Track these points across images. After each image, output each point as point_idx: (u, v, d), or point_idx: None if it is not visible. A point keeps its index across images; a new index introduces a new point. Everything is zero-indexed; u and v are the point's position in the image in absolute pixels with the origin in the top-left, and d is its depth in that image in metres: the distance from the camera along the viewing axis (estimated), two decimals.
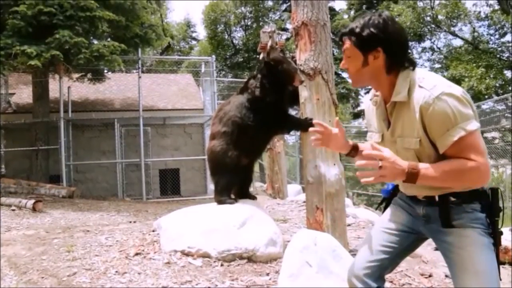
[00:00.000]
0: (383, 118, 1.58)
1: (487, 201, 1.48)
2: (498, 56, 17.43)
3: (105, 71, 11.58)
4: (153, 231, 3.70)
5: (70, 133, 10.33)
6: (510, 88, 16.25)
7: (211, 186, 12.19)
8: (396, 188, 1.76)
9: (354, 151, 1.73)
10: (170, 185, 11.94)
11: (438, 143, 1.40)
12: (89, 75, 10.72)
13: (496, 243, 1.47)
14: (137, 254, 3.08)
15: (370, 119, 1.71)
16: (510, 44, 17.73)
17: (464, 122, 1.35)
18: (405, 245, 1.66)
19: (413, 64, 1.50)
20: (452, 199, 1.47)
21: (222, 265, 2.80)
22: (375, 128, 1.66)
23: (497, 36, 17.91)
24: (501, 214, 1.50)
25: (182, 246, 3.00)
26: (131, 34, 9.25)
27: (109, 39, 9.15)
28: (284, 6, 24.97)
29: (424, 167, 1.36)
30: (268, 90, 3.18)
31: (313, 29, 3.41)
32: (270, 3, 25.81)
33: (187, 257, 2.92)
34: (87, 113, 11.04)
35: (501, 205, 1.50)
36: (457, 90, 1.38)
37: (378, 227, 1.73)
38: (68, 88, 10.41)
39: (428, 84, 1.41)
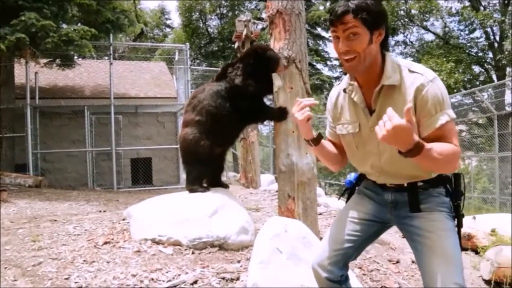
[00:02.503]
0: (363, 106, 1.56)
1: (450, 186, 1.56)
2: (467, 51, 17.97)
3: (75, 57, 11.20)
4: (123, 219, 3.64)
5: (37, 120, 9.98)
6: (477, 83, 16.81)
7: (184, 176, 12.11)
8: (359, 179, 1.79)
9: (317, 139, 1.67)
10: (142, 174, 11.77)
11: (425, 125, 1.43)
12: (57, 61, 10.34)
13: (459, 225, 1.55)
14: (106, 243, 3.02)
15: (339, 111, 1.67)
16: (478, 40, 18.30)
17: (448, 109, 1.43)
18: (370, 233, 1.70)
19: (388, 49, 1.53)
20: (420, 184, 1.52)
21: (193, 253, 2.79)
22: (348, 119, 1.63)
23: (466, 32, 18.48)
24: (462, 197, 1.57)
25: (153, 234, 2.97)
26: (103, 19, 8.95)
27: (79, 24, 8.84)
28: None
29: (428, 145, 1.32)
30: (251, 79, 3.14)
31: (288, 17, 3.39)
32: None
33: (158, 245, 2.88)
34: (56, 100, 10.68)
35: (462, 189, 1.58)
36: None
37: (342, 216, 1.75)
38: (35, 73, 10.03)
39: (419, 69, 1.46)
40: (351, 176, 1.82)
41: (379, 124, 1.29)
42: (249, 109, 3.21)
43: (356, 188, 1.79)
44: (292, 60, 3.36)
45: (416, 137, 1.29)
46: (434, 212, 1.51)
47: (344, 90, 1.62)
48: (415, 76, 1.44)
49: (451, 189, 1.56)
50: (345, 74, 1.66)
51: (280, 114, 3.22)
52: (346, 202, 1.82)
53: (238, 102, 3.16)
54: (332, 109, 1.72)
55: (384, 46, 1.51)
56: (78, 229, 3.60)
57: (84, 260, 2.67)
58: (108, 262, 2.63)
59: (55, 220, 4.16)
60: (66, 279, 2.41)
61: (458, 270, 1.41)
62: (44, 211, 5.06)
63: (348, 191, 1.83)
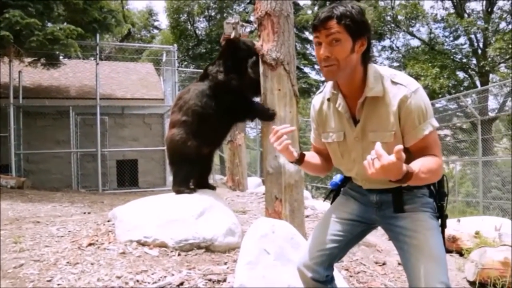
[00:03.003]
0: (348, 116, 1.55)
1: (434, 187, 1.58)
2: (451, 57, 18.28)
3: (61, 57, 11.03)
4: (108, 221, 3.58)
5: (20, 120, 9.79)
6: (461, 88, 17.10)
7: (170, 178, 11.98)
8: (344, 180, 1.80)
9: (300, 159, 1.68)
10: (127, 176, 11.63)
11: (409, 136, 1.45)
12: (42, 60, 10.16)
13: (442, 225, 1.57)
14: (90, 244, 2.97)
15: (324, 120, 1.67)
16: (463, 47, 18.64)
17: (431, 118, 1.45)
18: (355, 233, 1.70)
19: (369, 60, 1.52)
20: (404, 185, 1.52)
21: (179, 254, 2.76)
22: (332, 128, 1.63)
23: (451, 38, 18.80)
24: (446, 198, 1.60)
25: (138, 236, 2.93)
26: (89, 18, 8.82)
27: (65, 23, 8.70)
28: None
29: (416, 168, 1.33)
30: (233, 73, 3.14)
31: (277, 19, 3.39)
32: None
33: (143, 247, 2.85)
34: (40, 100, 10.49)
35: (446, 190, 1.60)
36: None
37: (327, 217, 1.75)
38: (19, 72, 9.83)
39: (403, 80, 1.46)
40: (337, 177, 1.83)
41: (368, 160, 1.27)
42: (235, 105, 3.18)
43: (342, 189, 1.80)
44: (280, 62, 3.36)
45: (405, 167, 1.28)
46: (418, 212, 1.53)
47: (328, 99, 1.62)
48: (399, 88, 1.45)
49: (435, 190, 1.58)
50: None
51: (268, 114, 3.21)
52: (332, 203, 1.82)
53: (223, 98, 3.15)
54: (316, 117, 1.71)
55: (366, 58, 1.50)
56: (61, 230, 3.54)
57: (68, 262, 2.62)
58: (92, 264, 2.58)
59: (38, 222, 4.08)
60: (48, 281, 2.36)
61: (443, 269, 1.42)
62: (26, 213, 4.96)
63: (333, 193, 1.84)
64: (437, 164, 1.41)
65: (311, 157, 1.74)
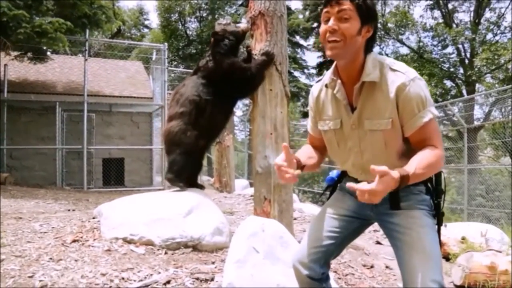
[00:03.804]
0: (345, 103, 1.54)
1: (431, 184, 1.56)
2: (439, 66, 18.55)
3: (49, 52, 10.83)
4: (94, 218, 3.51)
5: (4, 115, 9.55)
6: (448, 97, 17.34)
7: (157, 178, 11.93)
8: (340, 176, 1.78)
9: (300, 168, 1.60)
10: (113, 175, 11.47)
11: (408, 125, 1.44)
12: (29, 54, 9.96)
13: (439, 223, 1.55)
14: (74, 241, 2.90)
15: (321, 107, 1.66)
16: (450, 56, 18.93)
17: (431, 107, 1.44)
18: (350, 230, 1.67)
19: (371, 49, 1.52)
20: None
21: (166, 253, 2.71)
22: (329, 115, 1.61)
23: (439, 47, 19.07)
24: (442, 196, 1.58)
25: (124, 233, 2.87)
26: (79, 13, 8.66)
27: (54, 17, 8.54)
28: (240, 1, 24.87)
29: (411, 169, 1.33)
30: (223, 57, 3.19)
31: (270, 19, 3.39)
32: None
33: (129, 244, 2.79)
34: (26, 94, 10.27)
35: (443, 188, 1.59)
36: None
37: (322, 213, 1.73)
38: (5, 66, 9.62)
39: (401, 68, 1.46)
40: (333, 173, 1.80)
41: (360, 191, 1.27)
42: (231, 85, 3.20)
43: (338, 185, 1.78)
44: (272, 62, 3.35)
45: (396, 173, 1.27)
46: (414, 210, 1.51)
47: (326, 86, 1.60)
48: (397, 74, 1.44)
49: (432, 187, 1.57)
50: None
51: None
52: (328, 199, 1.79)
53: (218, 84, 3.18)
54: (314, 105, 1.70)
55: (369, 46, 1.50)
56: (44, 226, 3.45)
57: (51, 258, 2.54)
58: (76, 261, 2.52)
59: (20, 218, 3.98)
60: (30, 277, 2.29)
61: (436, 267, 1.40)
62: (8, 209, 4.83)
63: (330, 188, 1.81)
64: (436, 156, 1.40)
65: (308, 159, 1.69)
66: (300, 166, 1.58)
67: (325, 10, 1.45)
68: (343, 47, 1.42)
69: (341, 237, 1.66)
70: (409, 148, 1.47)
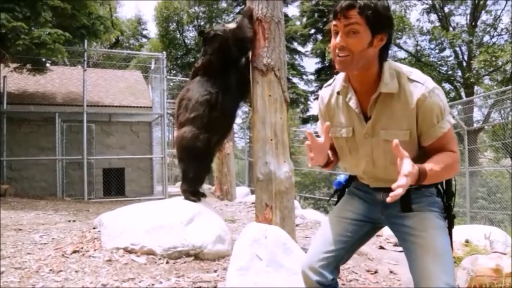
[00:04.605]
0: (358, 111, 1.50)
1: (442, 186, 1.55)
2: (437, 69, 18.58)
3: (47, 63, 10.86)
4: (94, 228, 3.48)
5: (4, 126, 9.55)
6: (448, 100, 17.32)
7: (157, 187, 11.88)
8: (348, 180, 1.75)
9: (327, 163, 1.62)
10: (114, 185, 11.42)
11: (427, 135, 1.43)
12: (28, 66, 9.98)
13: (450, 225, 1.54)
14: (75, 251, 2.87)
15: (331, 114, 1.61)
16: (448, 59, 18.98)
17: (448, 116, 1.43)
18: (360, 234, 1.65)
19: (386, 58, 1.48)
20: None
21: (167, 262, 2.68)
22: (341, 123, 1.58)
23: (437, 51, 19.11)
24: (453, 198, 1.56)
25: (125, 243, 2.84)
26: (77, 24, 8.69)
27: (52, 28, 8.56)
28: (238, 9, 25.00)
29: (429, 167, 1.33)
30: (213, 40, 3.26)
31: (268, 25, 3.39)
32: (224, 4, 25.76)
33: (130, 254, 2.76)
34: (25, 106, 10.27)
35: (453, 190, 1.56)
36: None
37: (332, 217, 1.70)
38: (4, 77, 9.63)
39: (419, 78, 1.42)
40: (341, 177, 1.78)
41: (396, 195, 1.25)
42: (232, 51, 3.25)
43: (346, 189, 1.75)
44: (271, 67, 3.35)
45: (415, 167, 1.28)
46: (426, 212, 1.49)
47: (338, 93, 1.56)
48: (416, 85, 1.41)
49: (443, 189, 1.55)
50: (332, 72, 1.62)
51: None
52: (336, 203, 1.76)
53: (224, 73, 3.24)
54: (324, 110, 1.66)
55: (384, 54, 1.45)
56: (44, 238, 3.42)
57: (51, 270, 2.52)
58: (76, 272, 2.49)
59: (20, 229, 3.95)
60: None
61: (449, 270, 1.38)
62: (8, 220, 4.81)
63: (338, 193, 1.79)
64: (453, 158, 1.41)
65: (332, 155, 1.67)
66: (329, 161, 1.61)
67: (333, 23, 1.41)
68: (351, 61, 1.39)
69: (351, 241, 1.63)
70: (424, 155, 1.45)
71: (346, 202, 1.70)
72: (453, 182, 1.56)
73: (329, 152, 1.63)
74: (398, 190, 1.23)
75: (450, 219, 1.55)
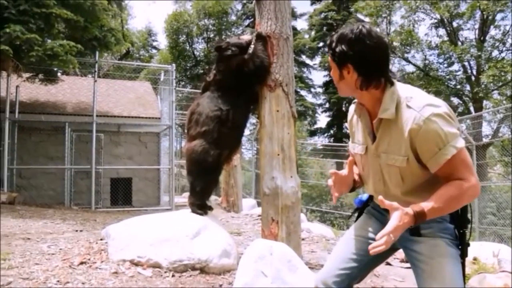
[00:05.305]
0: (368, 131, 1.55)
1: (456, 212, 1.49)
2: (446, 83, 18.53)
3: (59, 73, 11.04)
4: (101, 239, 3.51)
5: (15, 135, 9.69)
6: (456, 114, 17.22)
7: (164, 198, 11.91)
8: (369, 198, 1.77)
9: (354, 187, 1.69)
10: (121, 194, 11.49)
11: (431, 163, 1.39)
12: (40, 76, 10.16)
13: (463, 254, 1.49)
14: (82, 263, 2.90)
15: (353, 130, 1.69)
16: (457, 73, 18.92)
17: (453, 140, 1.36)
18: (375, 254, 1.65)
19: (392, 82, 1.47)
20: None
21: (173, 276, 2.70)
22: (359, 140, 1.64)
23: (445, 65, 19.07)
24: (468, 225, 1.51)
25: (132, 255, 2.86)
26: (89, 36, 8.86)
27: (65, 40, 8.74)
28: (247, 22, 25.29)
29: (429, 206, 1.32)
30: (229, 59, 3.28)
31: (276, 41, 3.44)
32: (233, 17, 26.05)
33: (136, 267, 2.78)
34: (36, 115, 10.43)
35: (469, 217, 1.52)
36: (443, 109, 1.38)
37: (349, 235, 1.72)
38: (17, 87, 9.81)
39: (416, 105, 1.39)
40: (363, 196, 1.80)
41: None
42: (247, 75, 3.27)
43: (366, 208, 1.77)
44: (279, 83, 3.39)
45: (410, 210, 1.31)
46: (436, 238, 1.47)
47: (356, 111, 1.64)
48: (411, 113, 1.39)
49: (457, 215, 1.50)
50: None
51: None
52: (355, 221, 1.78)
53: (237, 78, 3.25)
54: (349, 126, 1.74)
55: (364, 84, 1.45)
56: (52, 248, 3.46)
57: (58, 281, 2.54)
58: (83, 283, 2.51)
59: (28, 239, 3.99)
60: None
61: None
62: (16, 229, 4.86)
63: (358, 211, 1.81)
64: (461, 188, 1.35)
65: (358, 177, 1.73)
66: (356, 185, 1.68)
67: None
68: (339, 90, 1.57)
69: (365, 261, 1.63)
70: (439, 182, 1.41)
71: (364, 221, 1.72)
72: (469, 209, 1.52)
73: (356, 176, 1.70)
74: (380, 247, 1.30)
75: (463, 247, 1.49)
